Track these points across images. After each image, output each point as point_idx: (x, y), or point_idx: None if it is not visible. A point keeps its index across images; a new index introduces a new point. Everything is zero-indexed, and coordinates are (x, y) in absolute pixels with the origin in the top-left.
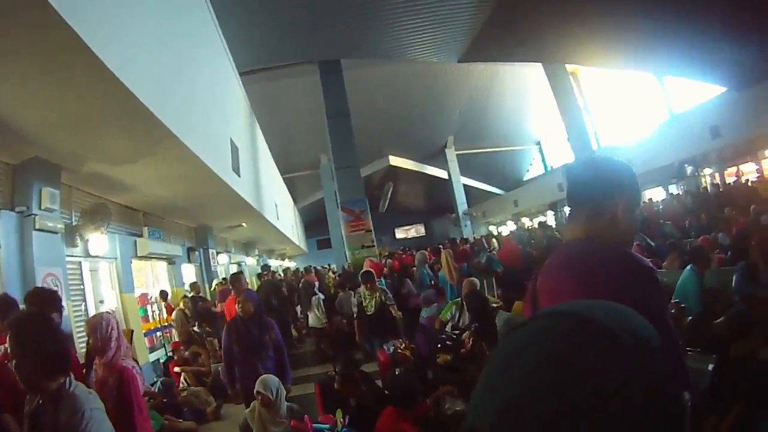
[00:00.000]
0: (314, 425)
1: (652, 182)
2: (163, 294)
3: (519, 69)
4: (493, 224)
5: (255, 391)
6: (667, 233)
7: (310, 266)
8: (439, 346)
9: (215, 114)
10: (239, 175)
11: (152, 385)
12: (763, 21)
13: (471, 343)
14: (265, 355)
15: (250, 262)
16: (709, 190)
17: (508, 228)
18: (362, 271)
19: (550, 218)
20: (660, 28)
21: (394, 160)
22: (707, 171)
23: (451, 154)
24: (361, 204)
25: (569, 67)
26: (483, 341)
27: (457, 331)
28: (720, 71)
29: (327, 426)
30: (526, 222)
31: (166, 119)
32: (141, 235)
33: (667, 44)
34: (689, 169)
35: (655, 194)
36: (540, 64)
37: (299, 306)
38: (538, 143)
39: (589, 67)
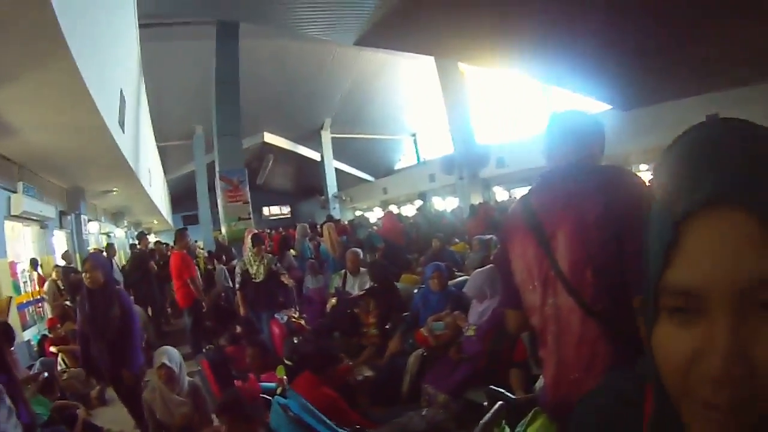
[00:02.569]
0: (261, 384)
1: (522, 182)
2: (34, 263)
3: (407, 61)
4: (360, 209)
5: (156, 365)
6: None
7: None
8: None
9: (113, 58)
10: (123, 131)
11: (29, 367)
12: (651, 46)
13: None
14: (110, 334)
15: (119, 234)
16: None
17: (374, 214)
18: (251, 234)
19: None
20: (552, 40)
21: (269, 137)
22: None
23: (327, 136)
24: (240, 174)
25: (460, 64)
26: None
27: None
28: (607, 90)
29: (274, 384)
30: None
31: (63, 22)
32: (15, 191)
33: (557, 56)
34: None
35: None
36: (432, 58)
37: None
38: (413, 135)
39: (479, 67)
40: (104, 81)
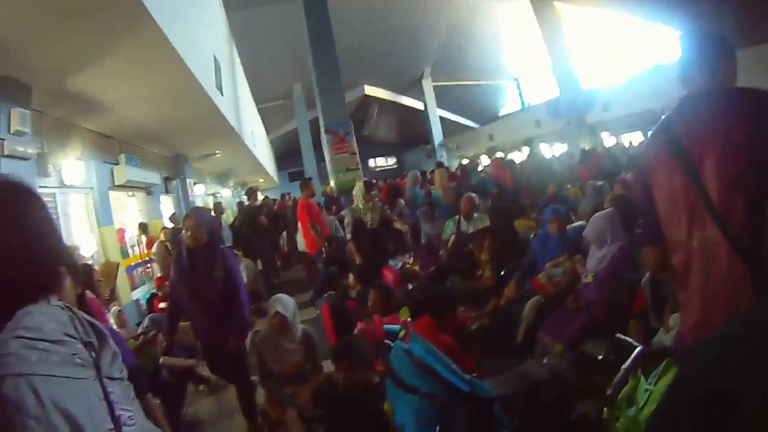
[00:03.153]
0: (385, 326)
1: (631, 126)
2: (143, 226)
3: (501, 3)
4: (467, 157)
5: (270, 313)
6: None
7: (287, 193)
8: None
9: (200, 24)
10: (222, 94)
11: (138, 324)
12: None
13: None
14: (211, 296)
15: (226, 194)
16: None
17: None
18: (362, 181)
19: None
20: None
21: (370, 90)
22: None
23: (428, 85)
24: (345, 126)
25: (557, 4)
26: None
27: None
28: (721, 24)
29: (398, 327)
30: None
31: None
32: (117, 164)
33: None
34: None
35: (634, 138)
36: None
37: (285, 232)
38: (516, 80)
39: (580, 6)
40: (195, 47)
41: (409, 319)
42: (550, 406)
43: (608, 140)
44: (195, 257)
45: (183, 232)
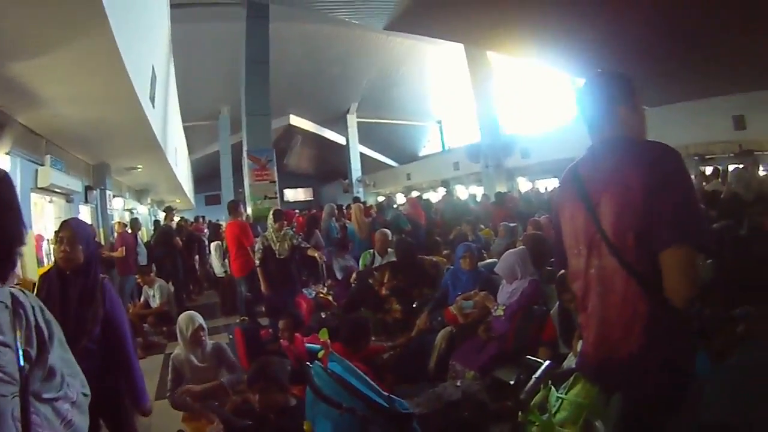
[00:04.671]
0: (307, 345)
1: (548, 173)
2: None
3: (434, 47)
4: (383, 195)
5: (192, 328)
6: None
7: (201, 216)
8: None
9: (146, 31)
10: (153, 106)
11: None
12: (681, 43)
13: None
14: (85, 343)
15: (143, 211)
16: None
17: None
18: (272, 210)
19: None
20: (582, 33)
21: (295, 120)
22: None
23: (353, 120)
24: (268, 153)
25: (489, 53)
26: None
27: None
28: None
29: (319, 346)
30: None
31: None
32: (42, 164)
33: (586, 49)
34: None
35: (549, 184)
36: (460, 46)
37: (198, 256)
38: (439, 122)
39: (508, 57)
40: (138, 55)
41: (328, 339)
42: (466, 426)
43: (524, 185)
44: (66, 286)
45: (56, 245)
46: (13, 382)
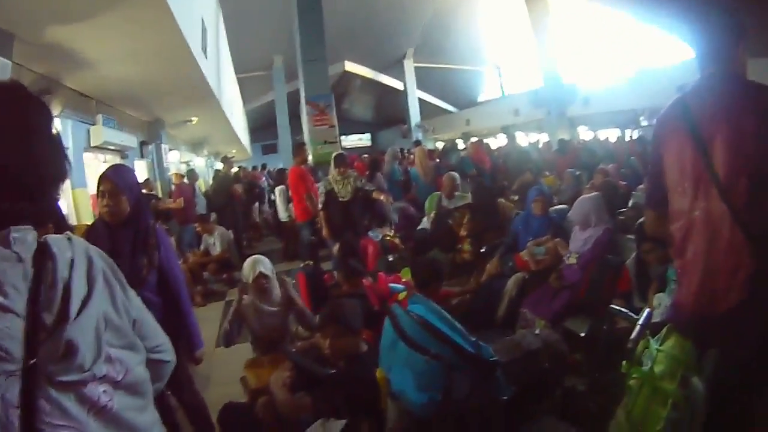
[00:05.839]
0: (390, 285)
1: (609, 123)
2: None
3: None
4: (442, 140)
5: (254, 274)
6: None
7: (264, 165)
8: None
9: None
10: (206, 57)
11: None
12: None
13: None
14: (142, 294)
15: (199, 163)
16: None
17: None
18: (334, 153)
19: (500, 141)
20: None
21: (350, 66)
22: None
23: (410, 65)
24: (326, 99)
25: None
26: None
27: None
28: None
29: (402, 287)
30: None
31: None
32: (94, 124)
33: None
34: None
35: (611, 134)
36: None
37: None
38: (498, 68)
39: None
40: (188, 7)
41: (411, 280)
42: (546, 375)
43: (586, 134)
44: (116, 237)
45: (98, 199)
46: (8, 358)
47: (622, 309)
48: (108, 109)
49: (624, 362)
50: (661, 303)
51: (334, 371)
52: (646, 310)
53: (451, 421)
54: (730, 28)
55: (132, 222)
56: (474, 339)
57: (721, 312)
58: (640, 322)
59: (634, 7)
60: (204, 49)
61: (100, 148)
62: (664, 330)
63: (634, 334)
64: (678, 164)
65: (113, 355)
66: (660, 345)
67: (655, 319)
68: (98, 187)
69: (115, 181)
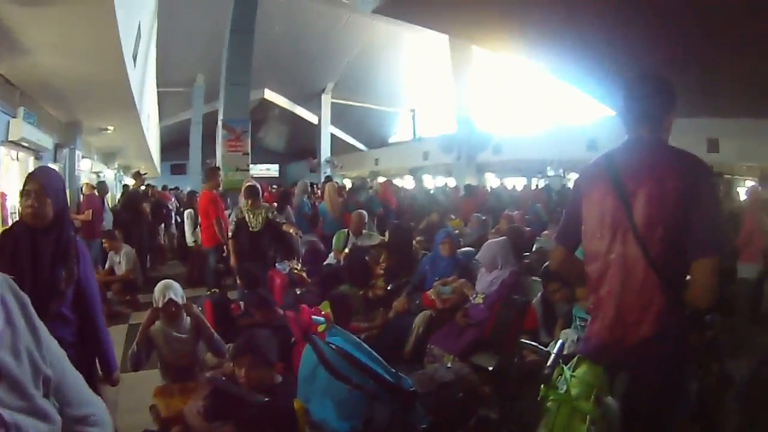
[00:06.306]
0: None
1: (517, 172)
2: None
3: (417, 35)
4: (349, 177)
5: (163, 300)
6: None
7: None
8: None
9: None
10: (134, 65)
11: None
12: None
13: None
14: (56, 307)
15: (109, 175)
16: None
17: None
18: (245, 185)
19: (406, 182)
20: (570, 34)
21: (269, 95)
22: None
23: (327, 100)
24: (243, 124)
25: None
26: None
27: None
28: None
29: (322, 319)
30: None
31: None
32: (15, 116)
33: (572, 52)
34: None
35: (517, 182)
36: (443, 37)
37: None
38: (412, 110)
39: (491, 52)
40: (129, 8)
41: (330, 313)
42: (460, 407)
43: (493, 181)
44: (36, 244)
45: (21, 199)
46: None
47: (533, 342)
48: (30, 103)
49: (542, 386)
50: (568, 338)
51: (268, 399)
52: (560, 341)
53: None
54: (662, 97)
55: (54, 230)
56: (394, 370)
57: (634, 342)
58: (554, 351)
59: (560, 67)
60: (134, 56)
61: (15, 144)
62: (575, 359)
63: (550, 361)
64: (598, 211)
65: (7, 419)
66: (573, 372)
67: (565, 352)
68: (24, 186)
69: (44, 182)
